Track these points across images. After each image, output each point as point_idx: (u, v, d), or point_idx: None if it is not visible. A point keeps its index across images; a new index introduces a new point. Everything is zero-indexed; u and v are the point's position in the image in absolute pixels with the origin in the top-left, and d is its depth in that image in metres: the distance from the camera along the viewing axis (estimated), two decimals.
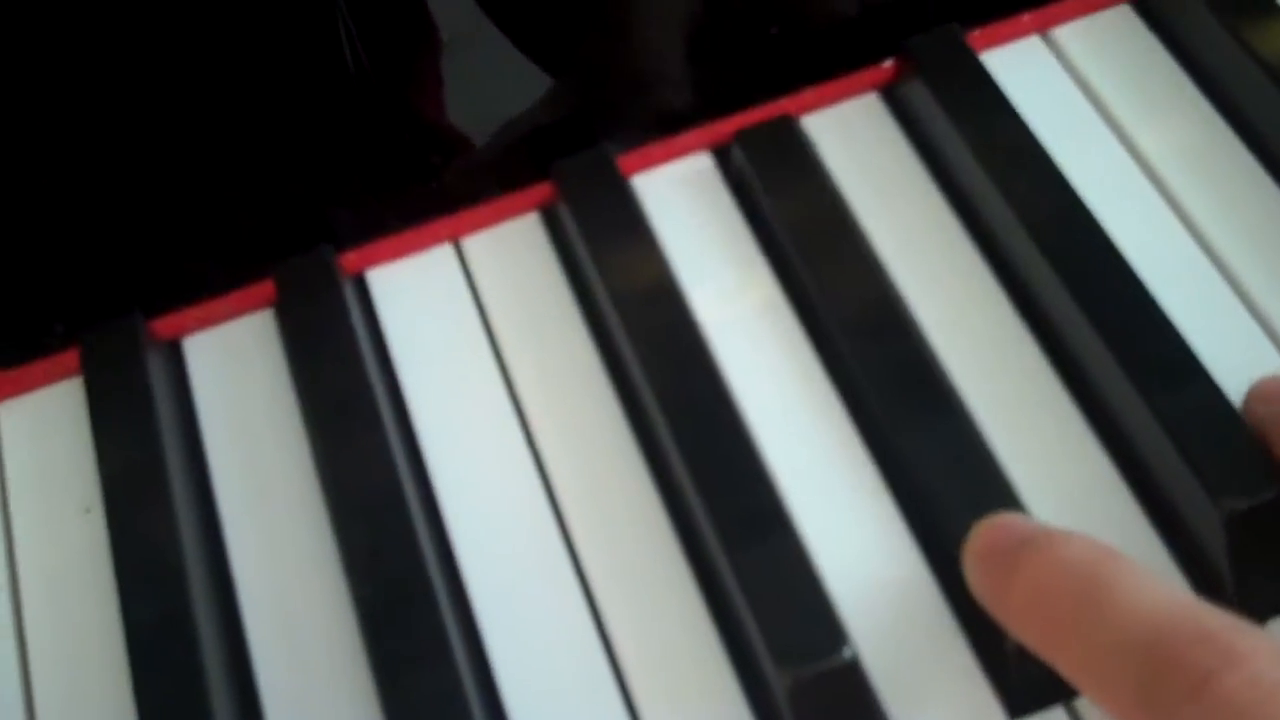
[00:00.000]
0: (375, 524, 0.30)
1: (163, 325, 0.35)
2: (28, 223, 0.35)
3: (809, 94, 0.36)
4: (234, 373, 0.34)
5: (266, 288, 0.35)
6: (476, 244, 0.36)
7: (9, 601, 0.31)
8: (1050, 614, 0.24)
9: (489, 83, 0.38)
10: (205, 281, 0.35)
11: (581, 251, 0.35)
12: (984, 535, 0.27)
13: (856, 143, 0.36)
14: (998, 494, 0.29)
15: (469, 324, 0.35)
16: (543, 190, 0.36)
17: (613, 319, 0.33)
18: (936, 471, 0.29)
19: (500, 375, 0.34)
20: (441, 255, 0.36)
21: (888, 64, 0.37)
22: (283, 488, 0.32)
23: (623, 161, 0.36)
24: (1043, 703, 0.27)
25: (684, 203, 0.36)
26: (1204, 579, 0.28)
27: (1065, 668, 0.24)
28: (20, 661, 0.30)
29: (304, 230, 0.35)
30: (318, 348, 0.33)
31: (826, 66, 0.36)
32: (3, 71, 0.35)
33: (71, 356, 0.34)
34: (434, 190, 0.36)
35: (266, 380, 0.34)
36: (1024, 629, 0.25)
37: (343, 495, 0.31)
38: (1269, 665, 0.21)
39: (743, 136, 0.36)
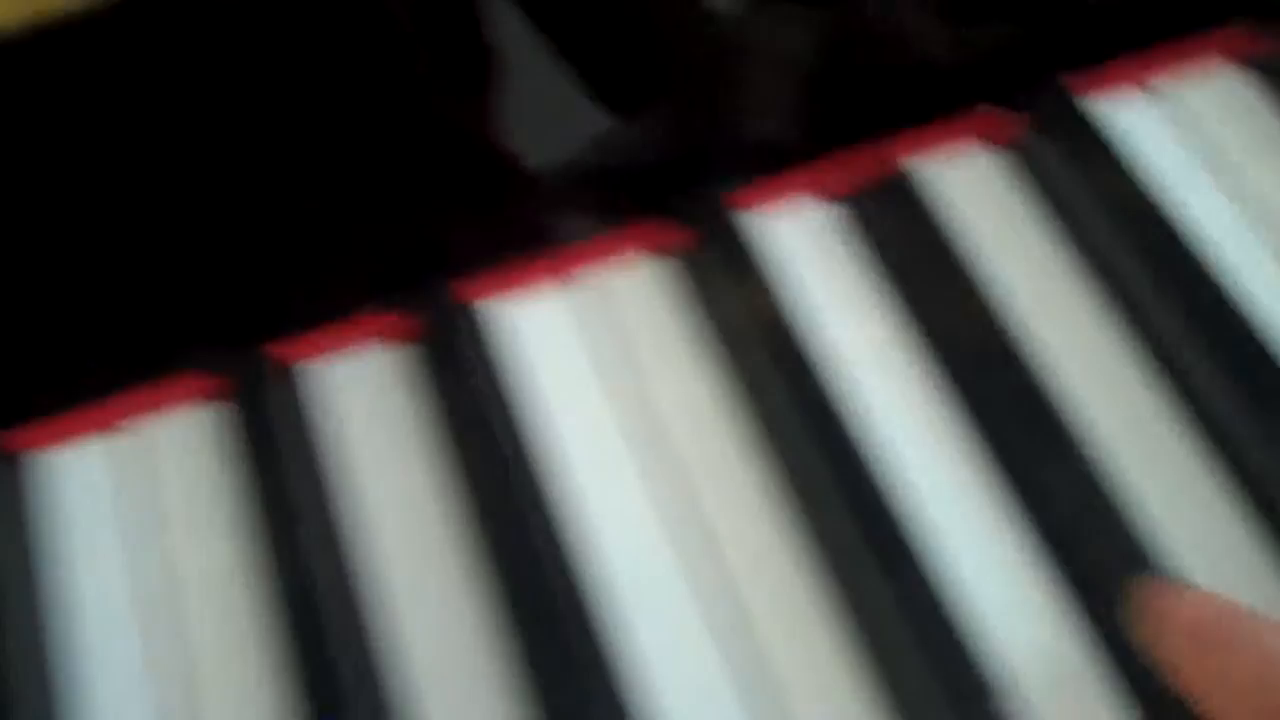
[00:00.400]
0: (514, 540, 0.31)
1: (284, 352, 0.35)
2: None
3: (916, 137, 0.37)
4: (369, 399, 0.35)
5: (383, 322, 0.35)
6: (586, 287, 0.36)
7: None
8: (1265, 696, 0.24)
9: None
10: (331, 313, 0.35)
11: (705, 290, 0.35)
12: (1192, 593, 0.26)
13: (971, 191, 0.36)
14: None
15: (608, 351, 0.35)
16: (658, 228, 0.36)
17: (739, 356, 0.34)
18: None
19: (629, 401, 0.34)
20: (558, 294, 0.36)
21: (995, 111, 0.37)
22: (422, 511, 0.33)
23: (737, 199, 0.36)
24: None
25: (802, 244, 0.36)
26: None
27: None
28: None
29: (423, 262, 0.36)
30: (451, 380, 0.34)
31: (931, 111, 0.37)
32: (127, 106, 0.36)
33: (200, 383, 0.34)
34: (547, 226, 0.36)
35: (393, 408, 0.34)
36: (1223, 696, 0.25)
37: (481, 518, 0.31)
38: None
39: (859, 183, 0.36)
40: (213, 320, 0.36)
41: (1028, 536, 0.31)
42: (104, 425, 0.34)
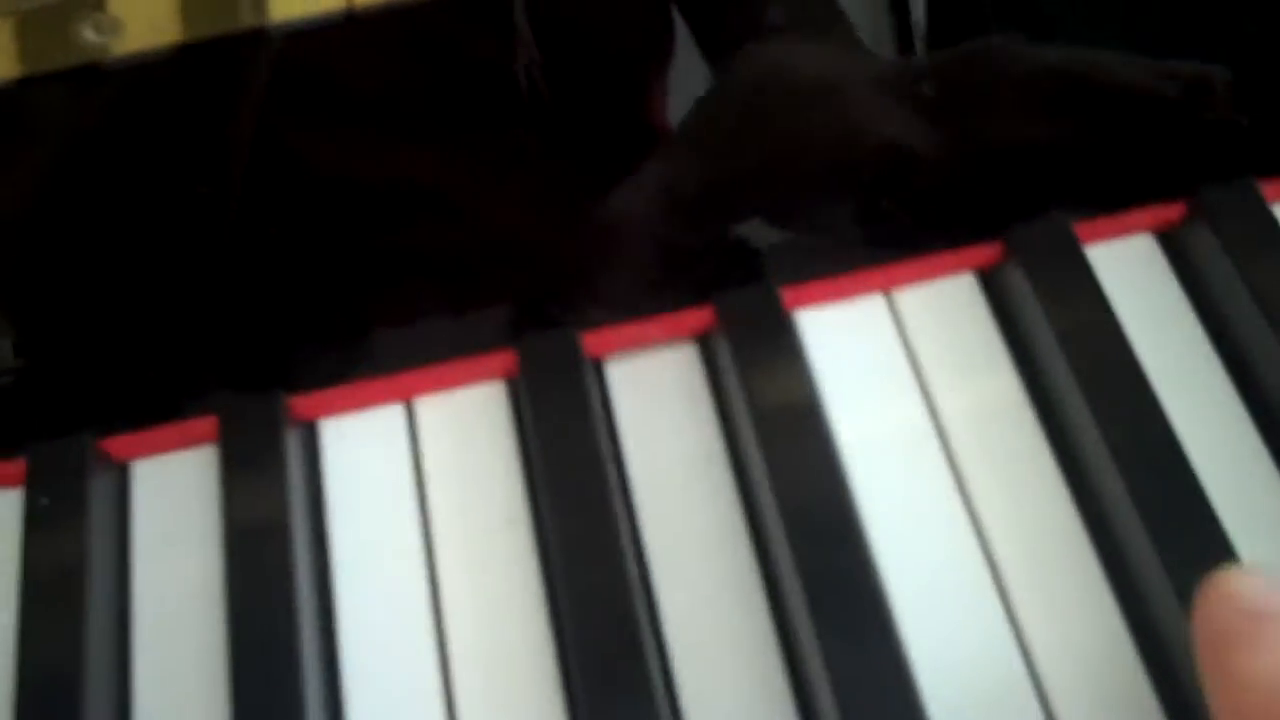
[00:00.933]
0: (808, 551, 0.30)
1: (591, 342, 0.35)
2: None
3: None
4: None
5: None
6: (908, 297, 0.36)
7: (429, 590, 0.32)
8: (1259, 707, 0.23)
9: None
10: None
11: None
12: (1238, 582, 0.25)
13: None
14: None
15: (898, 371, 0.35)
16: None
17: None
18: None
19: (928, 410, 0.34)
20: (872, 304, 0.36)
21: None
22: (706, 511, 0.33)
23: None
24: None
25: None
26: None
27: None
28: None
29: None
30: (759, 380, 0.33)
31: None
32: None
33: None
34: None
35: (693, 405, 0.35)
36: (1226, 699, 0.23)
37: (773, 525, 0.31)
38: None
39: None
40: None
41: None
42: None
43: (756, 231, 0.37)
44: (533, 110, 0.38)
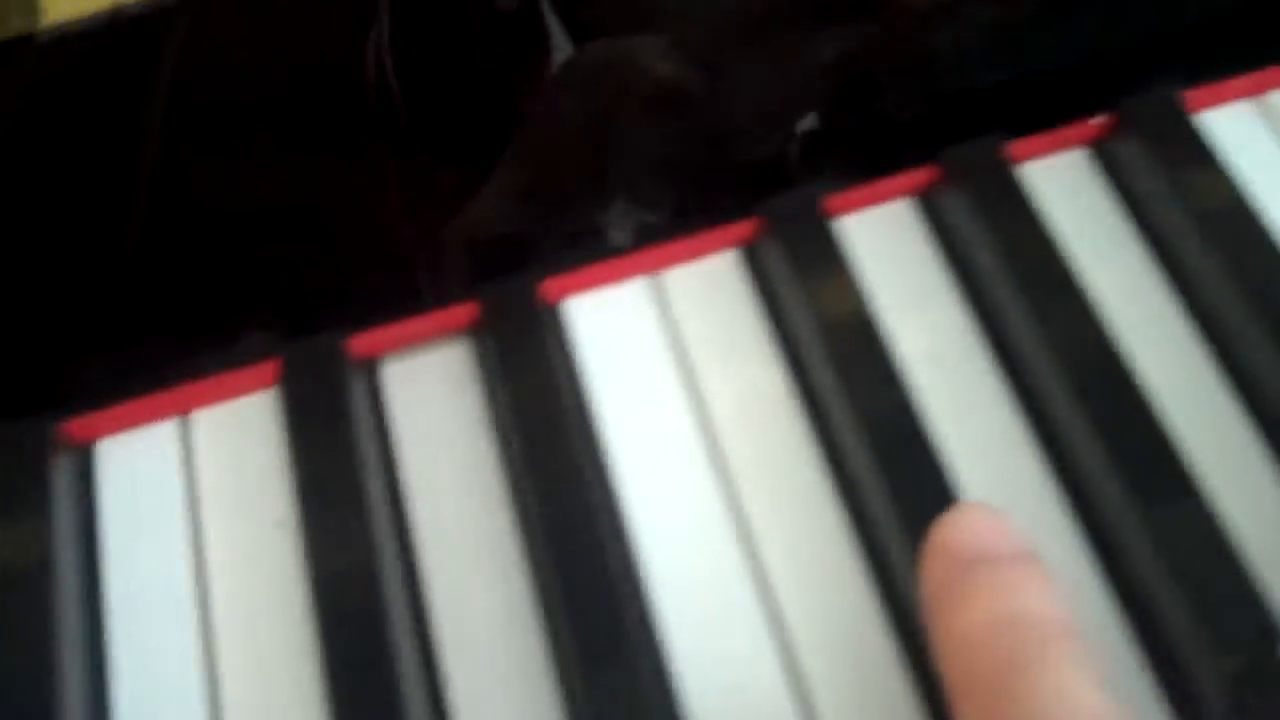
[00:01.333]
0: (569, 551, 0.30)
1: (361, 344, 0.35)
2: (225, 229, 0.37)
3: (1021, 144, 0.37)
4: (431, 398, 0.35)
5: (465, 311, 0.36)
6: (675, 279, 0.36)
7: (199, 615, 0.32)
8: (967, 670, 0.22)
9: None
10: (406, 303, 0.36)
11: (788, 290, 0.35)
12: (957, 529, 0.24)
13: (1070, 188, 0.36)
14: None
15: (663, 356, 0.35)
16: (744, 229, 0.36)
17: (816, 354, 0.33)
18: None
19: (692, 405, 0.34)
20: (638, 288, 0.36)
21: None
22: (478, 511, 0.33)
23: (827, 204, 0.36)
24: None
25: (887, 247, 0.36)
26: None
27: (962, 715, 0.22)
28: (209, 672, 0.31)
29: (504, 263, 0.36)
30: (518, 375, 0.34)
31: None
32: None
33: (269, 369, 0.35)
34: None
35: (464, 402, 0.34)
36: (946, 656, 0.23)
37: (538, 522, 0.31)
38: None
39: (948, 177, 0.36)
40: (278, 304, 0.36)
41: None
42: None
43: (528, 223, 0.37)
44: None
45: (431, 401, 0.35)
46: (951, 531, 0.24)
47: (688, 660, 0.30)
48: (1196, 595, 0.28)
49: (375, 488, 0.33)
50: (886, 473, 0.30)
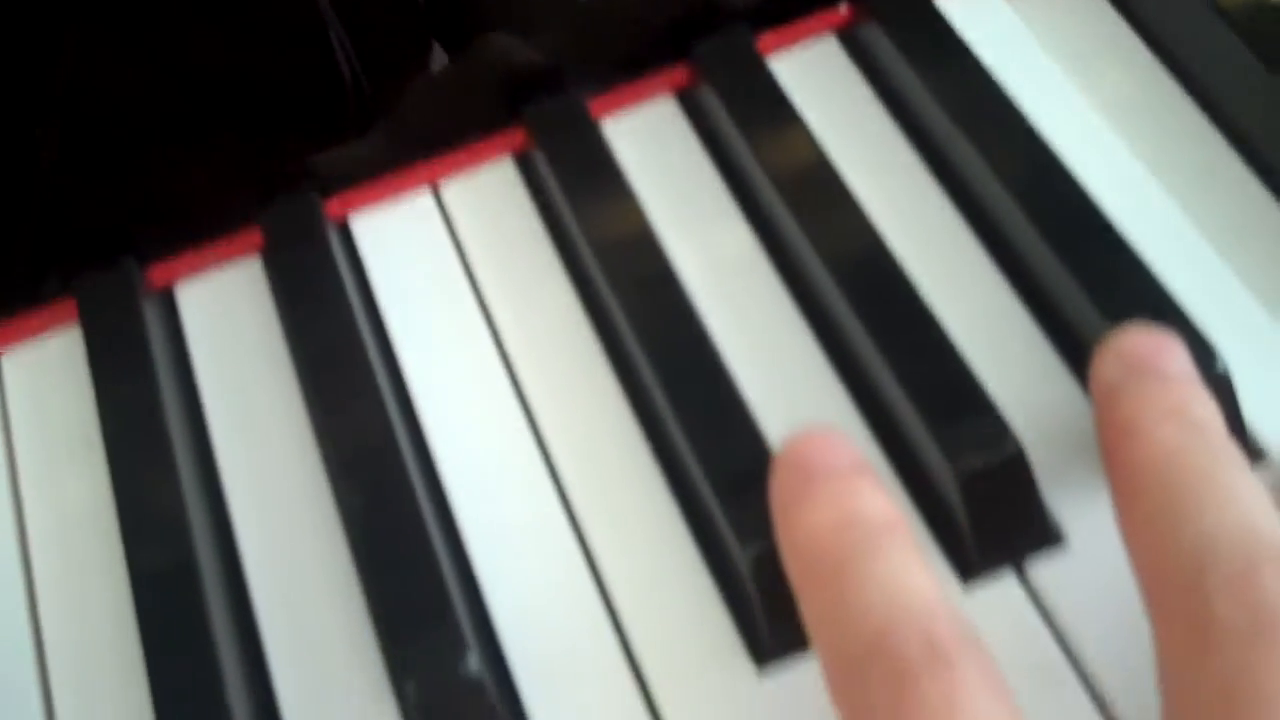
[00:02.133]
0: (368, 468, 0.31)
1: (156, 273, 0.36)
2: (15, 169, 0.37)
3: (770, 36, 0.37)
4: (226, 320, 0.36)
5: (256, 235, 0.36)
6: (454, 189, 0.37)
7: (16, 548, 0.32)
8: (811, 565, 0.24)
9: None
10: (196, 229, 0.36)
11: (558, 198, 0.35)
12: (798, 447, 0.26)
13: (821, 86, 0.37)
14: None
15: (451, 268, 0.36)
16: (516, 136, 0.37)
17: (592, 264, 0.34)
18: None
19: (483, 318, 0.34)
20: (421, 201, 0.37)
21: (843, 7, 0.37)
22: (278, 433, 0.33)
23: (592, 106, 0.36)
24: None
25: (654, 147, 0.36)
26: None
27: (805, 618, 0.24)
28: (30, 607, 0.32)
29: (285, 177, 0.37)
30: (306, 295, 0.34)
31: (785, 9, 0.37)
32: None
33: (68, 305, 0.35)
34: (410, 134, 0.37)
35: (258, 327, 0.35)
36: (791, 560, 0.25)
37: (336, 443, 0.32)
38: (971, 680, 0.22)
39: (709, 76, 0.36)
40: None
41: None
42: None
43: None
44: None
45: (229, 327, 0.36)
46: (796, 448, 0.26)
47: (493, 574, 0.31)
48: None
49: (175, 416, 0.34)
50: (671, 384, 0.31)
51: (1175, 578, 0.23)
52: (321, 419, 0.32)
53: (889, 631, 0.22)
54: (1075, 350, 0.31)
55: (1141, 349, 0.26)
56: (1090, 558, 0.29)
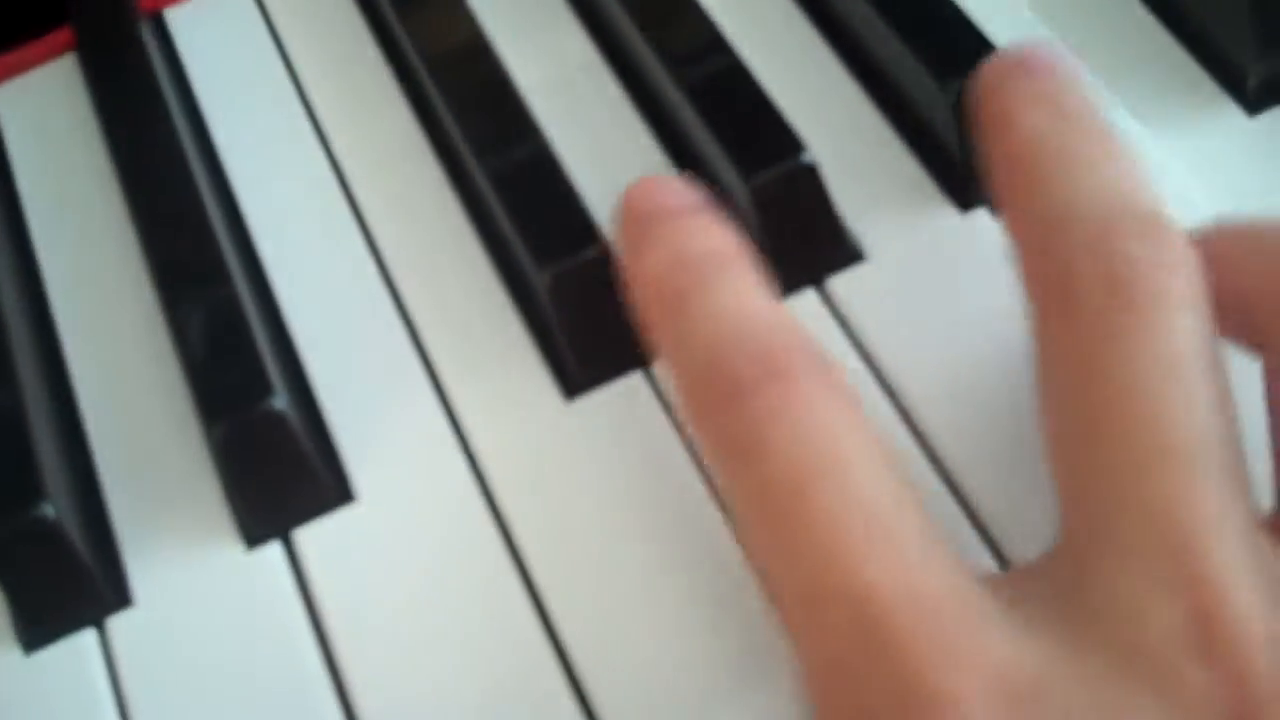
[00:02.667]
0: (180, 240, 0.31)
1: None
2: None
3: None
4: (44, 121, 0.36)
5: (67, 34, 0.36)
6: None
7: None
8: (652, 305, 0.25)
9: None
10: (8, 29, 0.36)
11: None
12: (636, 195, 0.26)
13: None
14: None
15: (269, 59, 0.36)
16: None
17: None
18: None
19: (299, 100, 0.35)
20: None
21: None
22: (100, 235, 0.34)
23: None
24: None
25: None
26: None
27: (659, 351, 0.25)
28: None
29: None
30: (123, 94, 0.34)
31: None
32: None
33: None
34: None
35: (77, 127, 0.35)
36: (637, 299, 0.25)
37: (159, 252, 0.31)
38: (806, 390, 0.22)
39: None
40: None
41: None
42: None
43: None
44: None
45: (46, 129, 0.36)
46: (633, 196, 0.26)
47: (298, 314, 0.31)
48: None
49: None
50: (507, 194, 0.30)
51: (1039, 243, 0.23)
52: (147, 237, 0.32)
53: (719, 357, 0.22)
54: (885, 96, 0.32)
55: (1019, 55, 0.26)
56: (891, 274, 0.29)
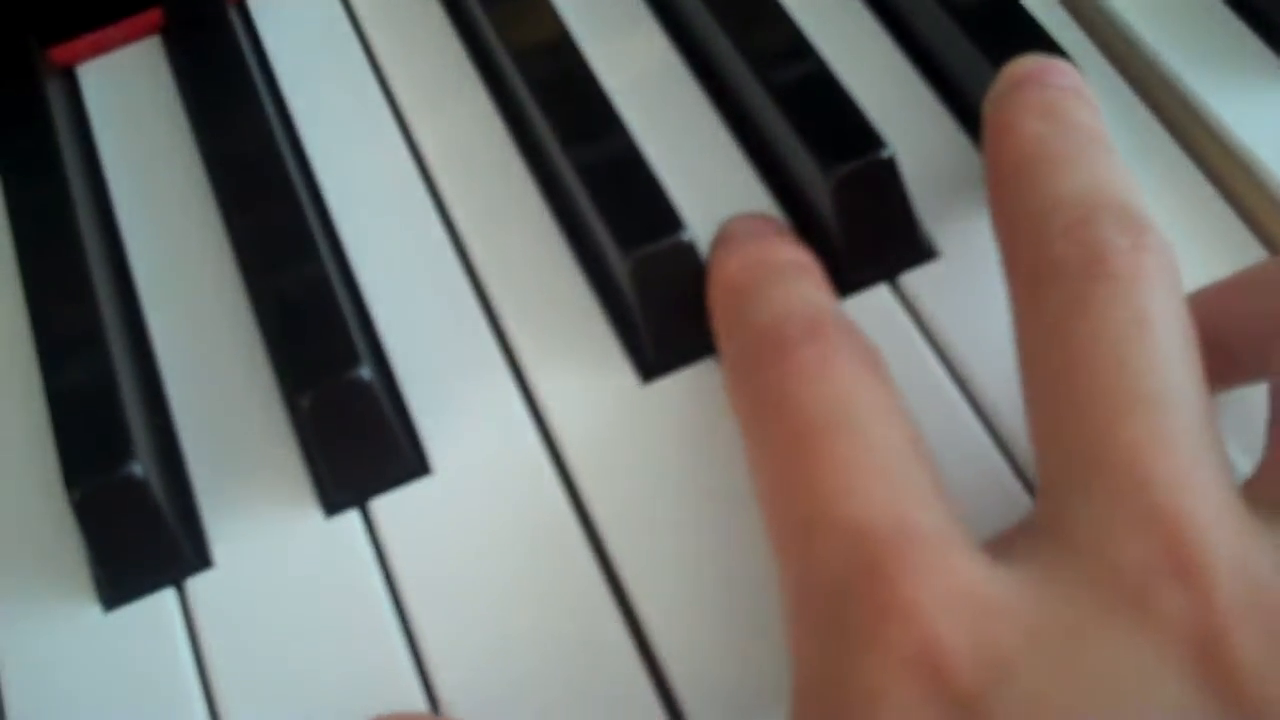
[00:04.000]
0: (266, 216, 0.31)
1: (59, 53, 0.37)
2: None
3: None
4: (129, 100, 0.36)
5: (155, 15, 0.37)
6: None
7: None
8: (723, 296, 0.27)
9: None
10: (97, 9, 0.36)
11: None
12: (731, 222, 0.29)
13: None
14: None
15: (350, 47, 0.37)
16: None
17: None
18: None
19: (381, 90, 0.36)
20: None
21: None
22: (183, 212, 0.34)
23: None
24: None
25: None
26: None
27: (716, 339, 0.28)
28: None
29: None
30: (210, 75, 0.35)
31: None
32: None
33: None
34: None
35: (162, 106, 0.36)
36: (712, 308, 0.28)
37: (244, 234, 0.32)
38: (845, 350, 0.24)
39: None
40: None
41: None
42: None
43: None
44: None
45: (133, 108, 0.37)
46: (729, 224, 0.29)
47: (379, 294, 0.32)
48: None
49: (83, 202, 0.34)
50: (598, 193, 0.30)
51: (1023, 234, 0.24)
52: (233, 213, 0.33)
53: (773, 325, 0.25)
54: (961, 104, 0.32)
55: (1029, 66, 0.28)
56: (963, 271, 0.30)
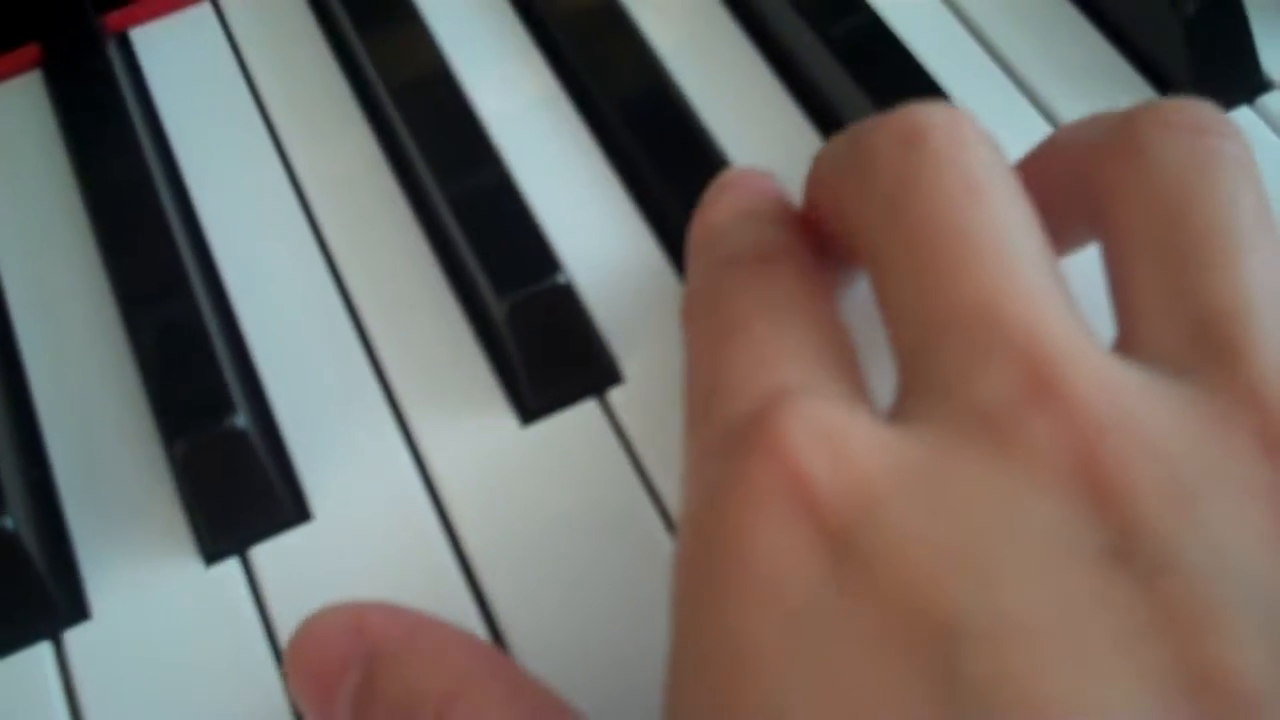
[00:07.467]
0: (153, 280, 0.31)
1: None
2: None
3: None
4: (7, 136, 0.36)
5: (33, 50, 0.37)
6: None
7: None
8: (694, 242, 0.27)
9: None
10: None
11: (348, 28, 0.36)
12: (726, 172, 0.28)
13: None
14: None
15: (232, 78, 0.36)
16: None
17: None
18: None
19: (262, 121, 0.35)
20: (202, 14, 0.37)
21: None
22: (62, 251, 0.34)
23: None
24: None
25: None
26: None
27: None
28: None
29: None
30: (87, 109, 0.35)
31: None
32: None
33: None
34: None
35: (44, 141, 0.36)
36: (688, 251, 0.27)
37: (124, 276, 0.32)
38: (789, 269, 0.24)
39: None
40: None
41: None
42: None
43: None
44: None
45: (11, 141, 0.36)
46: (723, 173, 0.28)
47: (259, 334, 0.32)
48: None
49: None
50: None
51: (843, 172, 0.25)
52: (108, 250, 0.32)
53: (740, 251, 0.25)
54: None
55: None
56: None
